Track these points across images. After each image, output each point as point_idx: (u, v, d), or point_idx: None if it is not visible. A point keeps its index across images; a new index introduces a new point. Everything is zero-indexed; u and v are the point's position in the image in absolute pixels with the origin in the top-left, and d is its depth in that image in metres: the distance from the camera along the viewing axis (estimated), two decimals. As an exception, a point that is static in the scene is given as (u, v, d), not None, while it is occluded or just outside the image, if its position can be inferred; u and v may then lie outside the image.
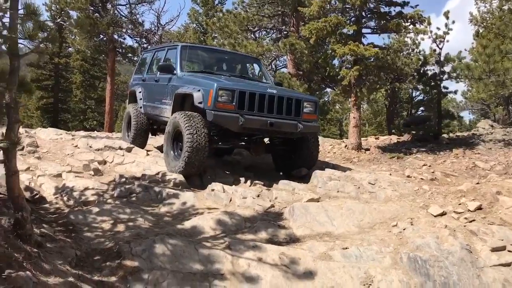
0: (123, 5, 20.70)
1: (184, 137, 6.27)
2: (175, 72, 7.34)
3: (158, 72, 7.89)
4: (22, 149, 7.17)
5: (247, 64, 9.54)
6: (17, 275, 3.18)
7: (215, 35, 21.72)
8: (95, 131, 15.95)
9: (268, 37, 20.25)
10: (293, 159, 7.42)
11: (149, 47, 22.09)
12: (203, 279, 4.28)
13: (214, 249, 4.67)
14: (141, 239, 4.73)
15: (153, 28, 20.54)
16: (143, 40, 20.88)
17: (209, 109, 6.26)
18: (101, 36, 20.50)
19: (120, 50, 21.89)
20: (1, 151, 4.87)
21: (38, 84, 34.51)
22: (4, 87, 3.90)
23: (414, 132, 11.68)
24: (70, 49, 33.08)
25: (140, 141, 8.32)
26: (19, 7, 3.80)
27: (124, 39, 21.48)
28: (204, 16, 27.87)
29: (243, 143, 7.34)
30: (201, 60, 8.16)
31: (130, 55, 22.55)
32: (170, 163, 6.71)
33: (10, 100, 3.88)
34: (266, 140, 7.79)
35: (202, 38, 24.91)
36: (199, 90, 6.47)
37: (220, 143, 7.06)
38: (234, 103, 6.30)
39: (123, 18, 20.30)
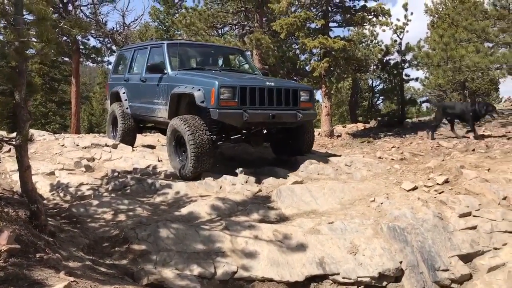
0: (85, 5, 20.53)
1: (188, 145, 6.36)
2: (165, 71, 7.32)
3: (144, 72, 7.90)
4: (9, 150, 7.31)
5: (233, 56, 9.63)
6: (49, 257, 3.49)
7: (178, 33, 21.87)
8: (62, 134, 15.86)
9: (232, 33, 20.55)
10: (291, 145, 7.68)
11: (113, 47, 22.01)
12: (207, 257, 4.68)
13: (213, 230, 5.07)
14: (144, 225, 5.07)
15: (118, 28, 20.45)
16: (108, 40, 20.76)
17: (213, 107, 6.29)
18: (64, 38, 20.23)
19: (84, 51, 21.68)
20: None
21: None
22: (14, 88, 4.16)
23: (379, 118, 12.39)
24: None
25: (129, 140, 8.40)
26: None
27: (88, 39, 21.25)
28: (165, 14, 27.90)
29: (243, 137, 7.35)
30: (188, 56, 8.17)
31: (93, 55, 22.37)
32: (176, 167, 6.82)
33: (20, 99, 4.14)
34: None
35: (165, 36, 24.97)
36: (199, 90, 6.47)
37: (221, 141, 7.05)
38: (236, 100, 6.38)
39: (86, 18, 20.09)
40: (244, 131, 7.19)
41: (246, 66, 9.02)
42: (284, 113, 6.79)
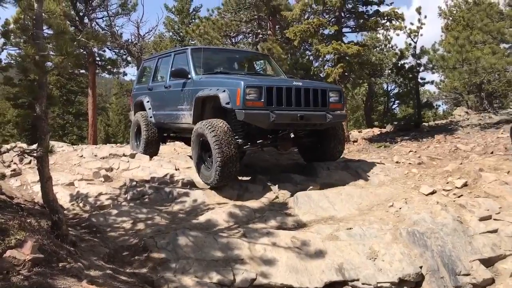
0: (100, 18, 20.95)
1: (213, 150, 6.14)
2: (189, 76, 7.16)
3: (168, 79, 7.76)
4: (30, 162, 7.45)
5: (257, 61, 9.49)
6: (72, 266, 3.55)
7: (192, 42, 22.07)
8: (80, 145, 16.13)
9: (245, 41, 20.66)
10: (320, 150, 7.44)
11: (129, 58, 22.32)
12: (225, 264, 4.70)
13: (231, 238, 5.09)
14: (163, 234, 5.11)
15: (133, 39, 20.76)
16: (123, 51, 21.08)
17: (239, 108, 6.05)
18: (81, 50, 20.59)
19: (100, 62, 22.03)
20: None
21: (14, 103, 34.11)
22: (35, 100, 4.25)
23: (396, 123, 12.33)
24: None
25: (152, 150, 8.31)
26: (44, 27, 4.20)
27: (104, 51, 21.60)
28: (180, 24, 28.16)
29: (270, 142, 7.14)
30: (212, 62, 7.98)
31: (109, 67, 22.71)
32: (202, 174, 6.63)
33: (41, 112, 4.23)
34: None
35: (179, 46, 25.19)
36: (224, 91, 6.27)
37: (247, 146, 6.86)
38: (262, 100, 6.13)
39: (102, 31, 20.45)
40: (270, 135, 7.03)
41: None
42: (312, 114, 6.47)
